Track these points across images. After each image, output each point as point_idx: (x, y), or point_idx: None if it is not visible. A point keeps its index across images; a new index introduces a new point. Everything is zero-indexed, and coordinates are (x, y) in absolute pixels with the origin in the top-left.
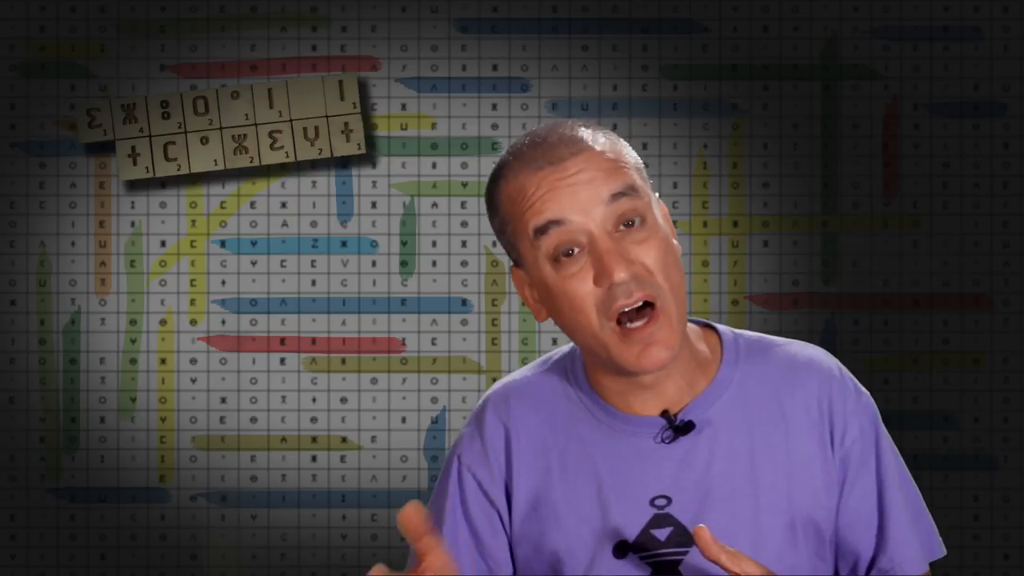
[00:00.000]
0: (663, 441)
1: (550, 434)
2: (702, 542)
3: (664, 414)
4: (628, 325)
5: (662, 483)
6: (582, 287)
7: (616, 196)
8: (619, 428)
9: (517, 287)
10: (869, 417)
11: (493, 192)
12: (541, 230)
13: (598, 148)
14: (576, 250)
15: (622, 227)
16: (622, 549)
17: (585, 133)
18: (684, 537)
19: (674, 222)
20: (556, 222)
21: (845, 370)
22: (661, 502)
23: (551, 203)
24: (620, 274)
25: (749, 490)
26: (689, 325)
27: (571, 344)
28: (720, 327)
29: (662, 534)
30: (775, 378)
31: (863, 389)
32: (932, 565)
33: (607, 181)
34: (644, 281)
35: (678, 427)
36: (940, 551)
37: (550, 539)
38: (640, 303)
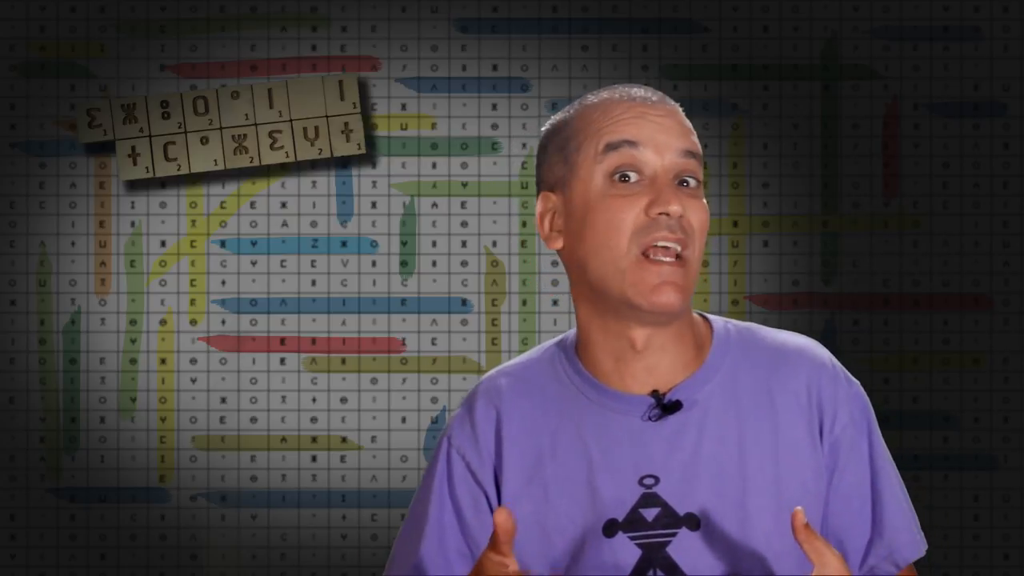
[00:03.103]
0: (650, 419)
1: (541, 416)
2: (795, 525)
3: (653, 393)
4: (654, 258)
5: (651, 462)
6: (628, 210)
7: (688, 153)
8: (609, 406)
9: (539, 212)
10: (860, 406)
11: (569, 114)
12: (614, 145)
13: (680, 113)
14: (634, 177)
15: (679, 183)
16: (611, 527)
17: (674, 102)
18: (672, 519)
19: None
20: (632, 143)
21: (835, 360)
22: (649, 481)
23: (634, 127)
24: (675, 207)
25: (737, 472)
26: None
27: (566, 332)
28: (711, 316)
29: (650, 514)
30: (764, 365)
31: (854, 380)
32: (924, 564)
33: (684, 138)
34: (686, 230)
35: (666, 406)
36: (925, 545)
37: (541, 518)
38: (676, 250)
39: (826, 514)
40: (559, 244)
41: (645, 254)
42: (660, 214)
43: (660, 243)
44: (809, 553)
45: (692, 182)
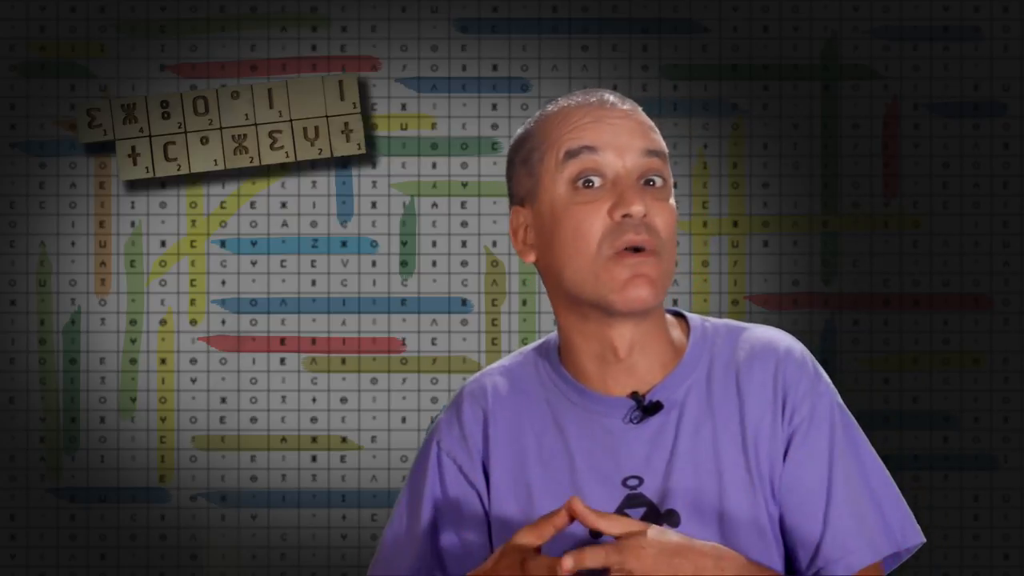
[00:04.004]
0: (632, 421)
1: (526, 417)
2: (579, 515)
3: (633, 395)
4: (625, 251)
5: (633, 463)
6: (593, 216)
7: (651, 152)
8: (591, 409)
9: (511, 228)
10: (825, 402)
11: (531, 125)
12: (574, 153)
13: (640, 112)
14: (598, 182)
15: (644, 183)
16: (597, 531)
17: (635, 104)
18: (656, 518)
19: None
20: (591, 148)
21: (809, 355)
22: (633, 482)
23: (592, 132)
24: (637, 207)
25: (713, 468)
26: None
27: (547, 335)
28: (689, 315)
29: (636, 514)
30: (737, 359)
31: (825, 378)
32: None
33: (645, 137)
34: (652, 230)
35: (646, 407)
36: (916, 539)
37: (526, 520)
38: (644, 246)
39: (780, 506)
40: (532, 257)
41: (616, 255)
42: (624, 216)
43: (629, 246)
44: (609, 531)
45: (658, 181)
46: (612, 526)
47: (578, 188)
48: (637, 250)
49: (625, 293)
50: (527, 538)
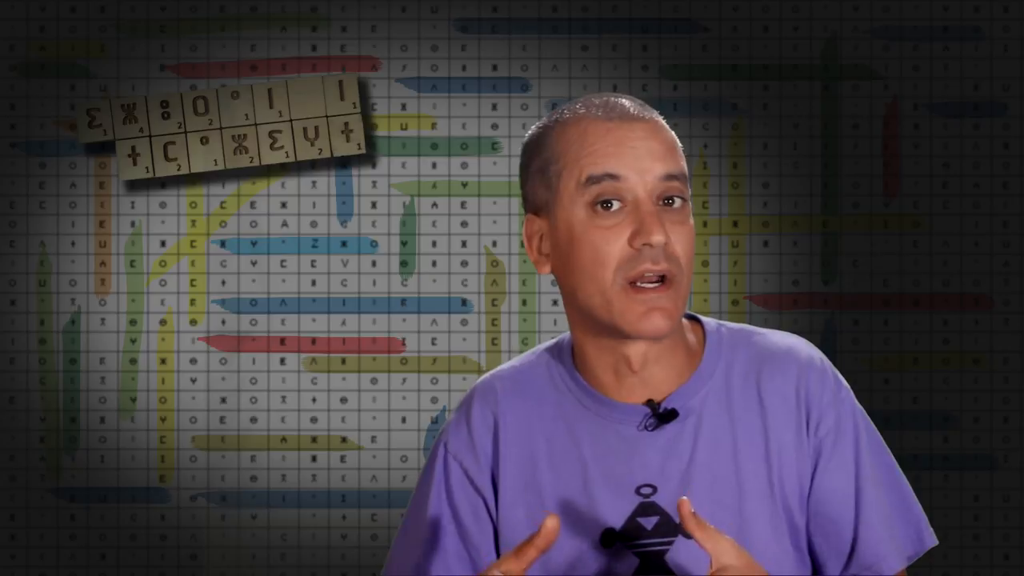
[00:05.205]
0: (646, 429)
1: (537, 421)
2: (683, 515)
3: (648, 402)
4: (640, 285)
5: (648, 471)
6: (613, 242)
7: (670, 176)
8: (605, 415)
9: (526, 236)
10: (847, 410)
11: (546, 131)
12: (596, 179)
13: (662, 125)
14: (617, 205)
15: (663, 202)
16: (609, 538)
17: (653, 111)
18: (669, 527)
19: None
20: (613, 176)
21: (827, 361)
22: (647, 490)
23: (614, 157)
24: (658, 236)
25: (733, 478)
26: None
27: (560, 335)
28: (704, 319)
29: (648, 523)
30: (755, 367)
31: (844, 383)
32: (924, 565)
33: (665, 158)
34: (671, 257)
35: (662, 415)
36: (931, 541)
37: (536, 525)
38: (662, 275)
39: (807, 518)
40: (547, 269)
41: (631, 283)
42: (644, 245)
43: (646, 275)
44: (703, 542)
45: (677, 202)
46: (706, 535)
47: (597, 211)
48: (658, 278)
49: (640, 326)
50: (510, 565)
